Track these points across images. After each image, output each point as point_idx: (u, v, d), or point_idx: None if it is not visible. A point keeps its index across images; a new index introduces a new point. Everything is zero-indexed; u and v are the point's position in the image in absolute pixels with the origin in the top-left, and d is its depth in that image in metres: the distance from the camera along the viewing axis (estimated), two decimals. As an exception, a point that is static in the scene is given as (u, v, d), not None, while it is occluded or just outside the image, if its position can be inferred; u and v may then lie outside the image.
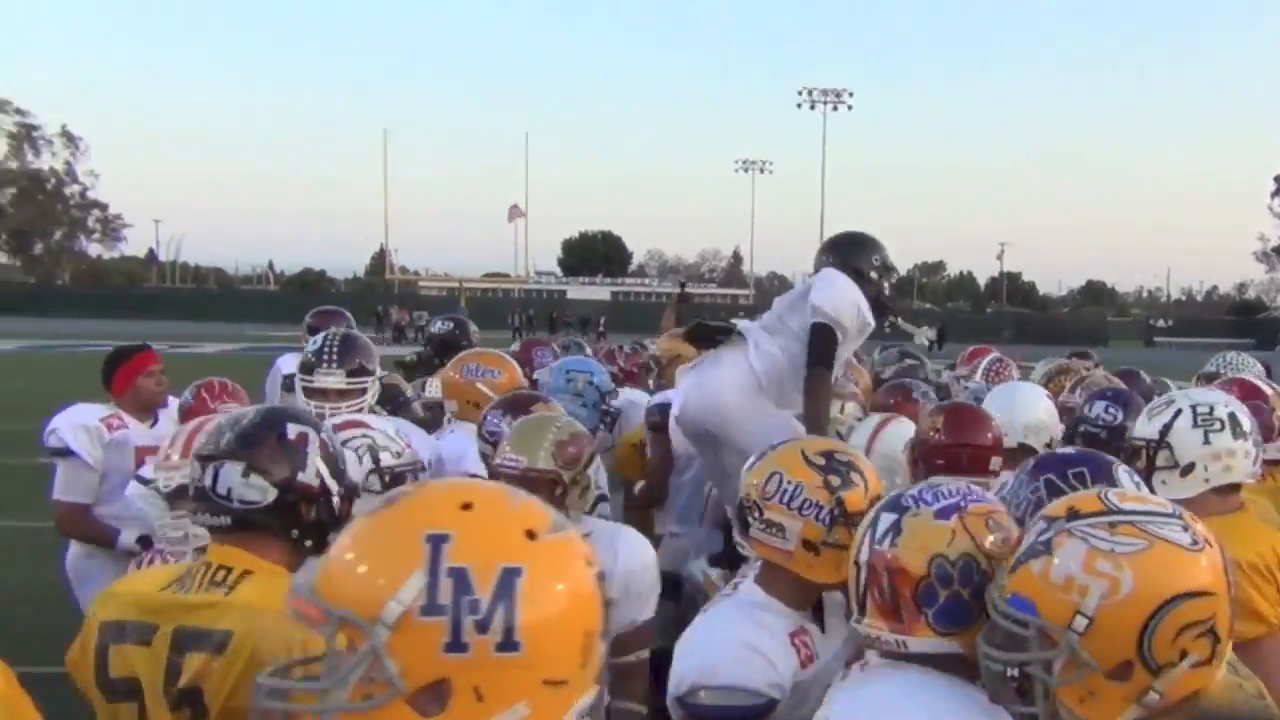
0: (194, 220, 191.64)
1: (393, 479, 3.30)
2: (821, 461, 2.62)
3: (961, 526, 2.04)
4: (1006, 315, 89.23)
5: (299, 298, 76.55)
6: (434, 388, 5.70)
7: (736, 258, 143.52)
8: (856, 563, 2.13)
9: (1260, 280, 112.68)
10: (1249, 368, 6.26)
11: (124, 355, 5.14)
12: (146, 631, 2.21)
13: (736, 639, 2.49)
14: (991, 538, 2.03)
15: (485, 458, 3.90)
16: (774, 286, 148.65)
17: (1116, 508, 1.76)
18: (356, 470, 3.42)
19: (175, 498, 3.02)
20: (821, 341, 4.31)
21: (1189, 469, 3.12)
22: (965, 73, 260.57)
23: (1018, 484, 2.60)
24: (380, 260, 66.21)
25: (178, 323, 55.33)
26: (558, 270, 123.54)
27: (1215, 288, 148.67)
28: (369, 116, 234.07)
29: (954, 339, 55.86)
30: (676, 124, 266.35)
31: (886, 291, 4.67)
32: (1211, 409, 3.17)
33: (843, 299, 4.40)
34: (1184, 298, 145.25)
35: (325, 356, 4.20)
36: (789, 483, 2.58)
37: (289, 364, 6.49)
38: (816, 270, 4.69)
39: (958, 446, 3.66)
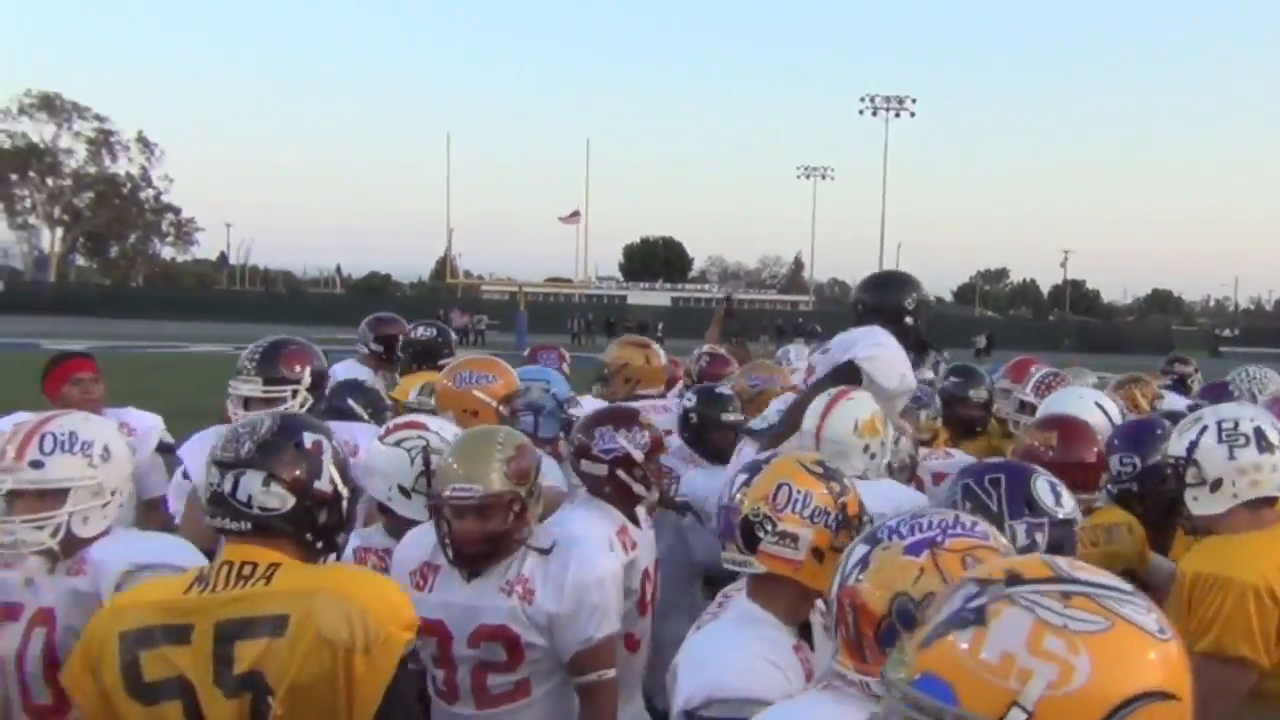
0: (264, 225, 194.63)
1: None
2: (820, 470, 2.71)
3: (932, 564, 1.88)
4: (1068, 323, 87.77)
5: (365, 301, 77.49)
6: (414, 395, 5.49)
7: (798, 264, 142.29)
8: (827, 598, 2.05)
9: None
10: (1272, 381, 6.28)
11: (56, 362, 5.23)
12: (182, 632, 2.30)
13: (752, 652, 2.48)
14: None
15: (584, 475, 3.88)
16: (835, 293, 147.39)
17: (1068, 575, 1.38)
18: (407, 470, 3.55)
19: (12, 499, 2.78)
20: (840, 376, 4.34)
21: (1217, 484, 3.11)
22: (1027, 79, 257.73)
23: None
24: (444, 264, 66.62)
25: (246, 324, 55.75)
26: (619, 275, 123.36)
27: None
28: (433, 120, 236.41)
29: (1015, 347, 54.93)
30: (738, 130, 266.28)
31: (924, 331, 4.73)
32: (1236, 424, 3.15)
33: (887, 363, 4.44)
34: (1252, 307, 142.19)
35: (244, 365, 4.15)
36: (799, 492, 2.63)
37: (344, 371, 6.69)
38: (855, 310, 4.75)
39: (1072, 465, 3.63)
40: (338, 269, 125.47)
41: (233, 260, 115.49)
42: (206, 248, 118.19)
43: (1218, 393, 6.09)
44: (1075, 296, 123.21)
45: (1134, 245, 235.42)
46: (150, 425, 5.18)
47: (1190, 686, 1.32)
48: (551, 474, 4.11)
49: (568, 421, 4.79)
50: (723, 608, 2.74)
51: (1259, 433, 3.13)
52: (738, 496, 2.69)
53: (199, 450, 4.12)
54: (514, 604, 3.04)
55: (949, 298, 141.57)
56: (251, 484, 2.40)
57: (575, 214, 50.66)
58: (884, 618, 1.87)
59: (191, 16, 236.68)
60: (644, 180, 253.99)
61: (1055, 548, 2.39)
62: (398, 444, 3.61)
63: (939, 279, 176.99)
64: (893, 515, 2.06)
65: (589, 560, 3.17)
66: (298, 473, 2.44)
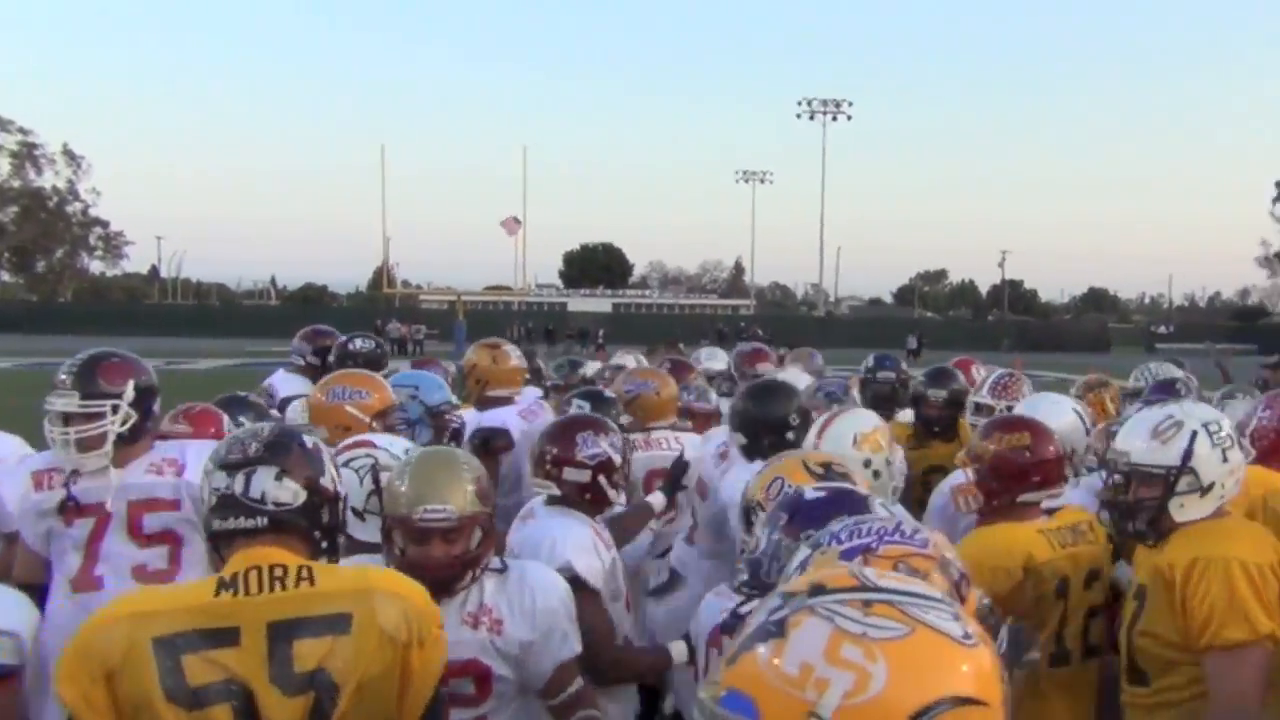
0: (197, 237, 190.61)
1: None
2: (820, 470, 2.81)
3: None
4: (1007, 323, 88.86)
5: (300, 313, 76.84)
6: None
7: (738, 268, 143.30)
8: None
9: (1263, 286, 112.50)
10: (1170, 374, 6.47)
11: None
12: (227, 635, 2.31)
13: None
14: None
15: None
16: (776, 296, 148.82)
17: (872, 584, 1.38)
18: (357, 491, 3.47)
19: None
20: None
21: (1209, 489, 3.13)
22: (964, 81, 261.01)
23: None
24: (381, 275, 66.17)
25: (178, 339, 55.22)
26: (559, 282, 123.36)
27: (1218, 293, 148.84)
28: (368, 129, 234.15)
29: (955, 347, 55.43)
30: (677, 135, 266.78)
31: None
32: (1220, 426, 3.19)
33: None
34: (1186, 304, 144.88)
35: (61, 379, 3.88)
36: (789, 487, 2.74)
37: (280, 382, 6.81)
38: (734, 419, 4.67)
39: (1049, 462, 3.68)
40: (272, 281, 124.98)
41: (164, 274, 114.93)
42: (137, 261, 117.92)
43: (1166, 391, 6.04)
44: (1013, 296, 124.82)
45: (1070, 245, 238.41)
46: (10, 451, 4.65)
47: (1000, 692, 1.31)
48: None
49: (443, 427, 4.84)
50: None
51: (1234, 432, 3.22)
52: (750, 484, 2.92)
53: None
54: (483, 636, 2.97)
55: (889, 299, 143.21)
56: (264, 480, 2.47)
57: (514, 220, 50.21)
58: None
59: (119, 27, 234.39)
60: (583, 187, 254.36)
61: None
62: (346, 464, 3.50)
63: (879, 281, 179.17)
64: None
65: (550, 582, 3.13)
66: (306, 468, 2.53)
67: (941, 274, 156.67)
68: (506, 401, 5.93)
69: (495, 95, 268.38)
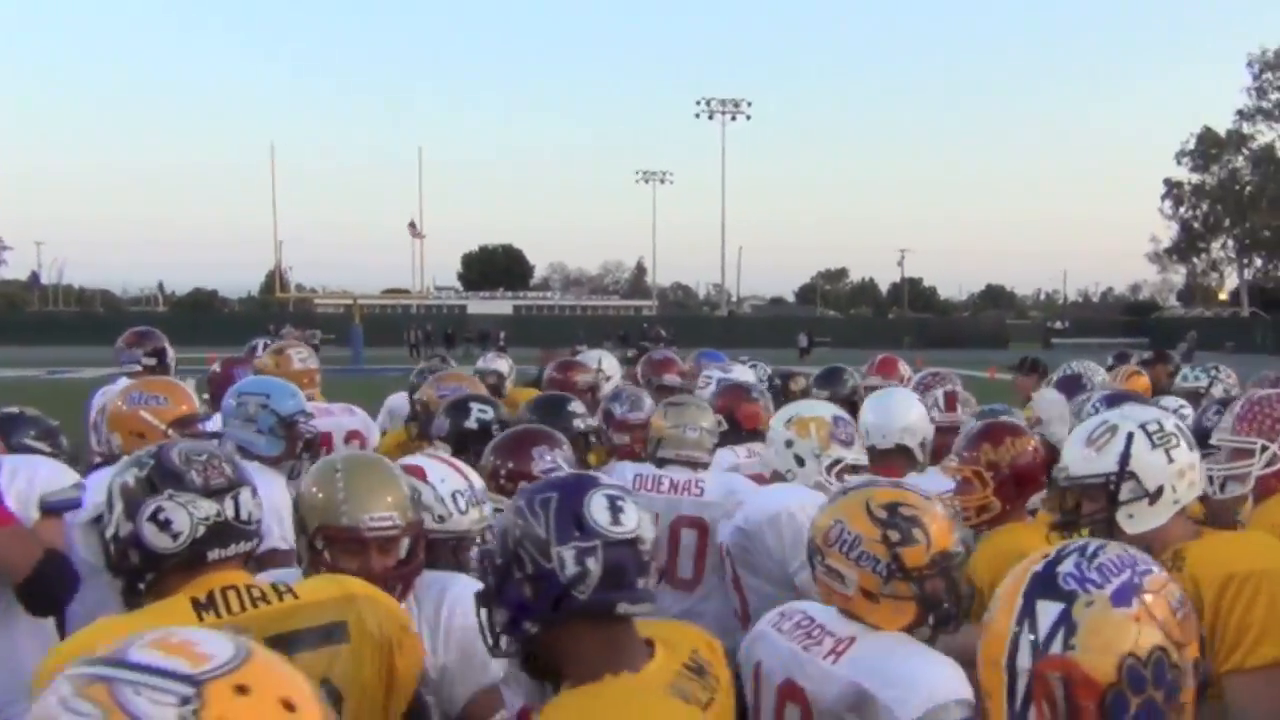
0: (79, 242, 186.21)
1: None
2: (883, 515, 2.60)
3: (1146, 612, 1.68)
4: (908, 320, 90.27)
5: (189, 318, 74.90)
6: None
7: (640, 269, 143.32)
8: (1010, 669, 1.73)
9: (1153, 281, 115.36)
10: (1095, 374, 6.69)
11: None
12: None
13: (935, 657, 2.49)
14: (1179, 617, 1.70)
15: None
16: (678, 296, 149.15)
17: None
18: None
19: None
20: None
21: (1158, 494, 2.91)
22: (862, 81, 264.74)
23: None
24: (274, 278, 64.57)
25: (60, 347, 53.53)
26: (458, 285, 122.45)
27: (1110, 289, 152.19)
28: (256, 129, 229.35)
29: (857, 345, 56.56)
30: (575, 135, 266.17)
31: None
32: (1161, 425, 2.98)
33: None
34: (1081, 299, 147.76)
35: None
36: (849, 533, 2.60)
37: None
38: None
39: (1047, 462, 3.63)
40: (160, 286, 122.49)
41: (45, 280, 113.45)
42: (15, 267, 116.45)
43: (1071, 385, 6.25)
44: (913, 294, 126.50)
45: (968, 243, 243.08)
46: None
47: None
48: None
49: (296, 437, 4.61)
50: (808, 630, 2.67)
51: (1180, 429, 3.01)
52: (818, 517, 2.73)
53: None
54: None
55: (791, 298, 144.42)
56: (247, 500, 2.54)
57: (414, 225, 49.20)
58: (1111, 685, 1.65)
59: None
60: (481, 188, 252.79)
61: (614, 570, 2.08)
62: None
63: (780, 280, 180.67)
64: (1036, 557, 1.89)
65: (468, 599, 2.81)
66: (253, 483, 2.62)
67: (842, 273, 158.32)
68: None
69: (390, 94, 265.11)
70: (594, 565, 2.08)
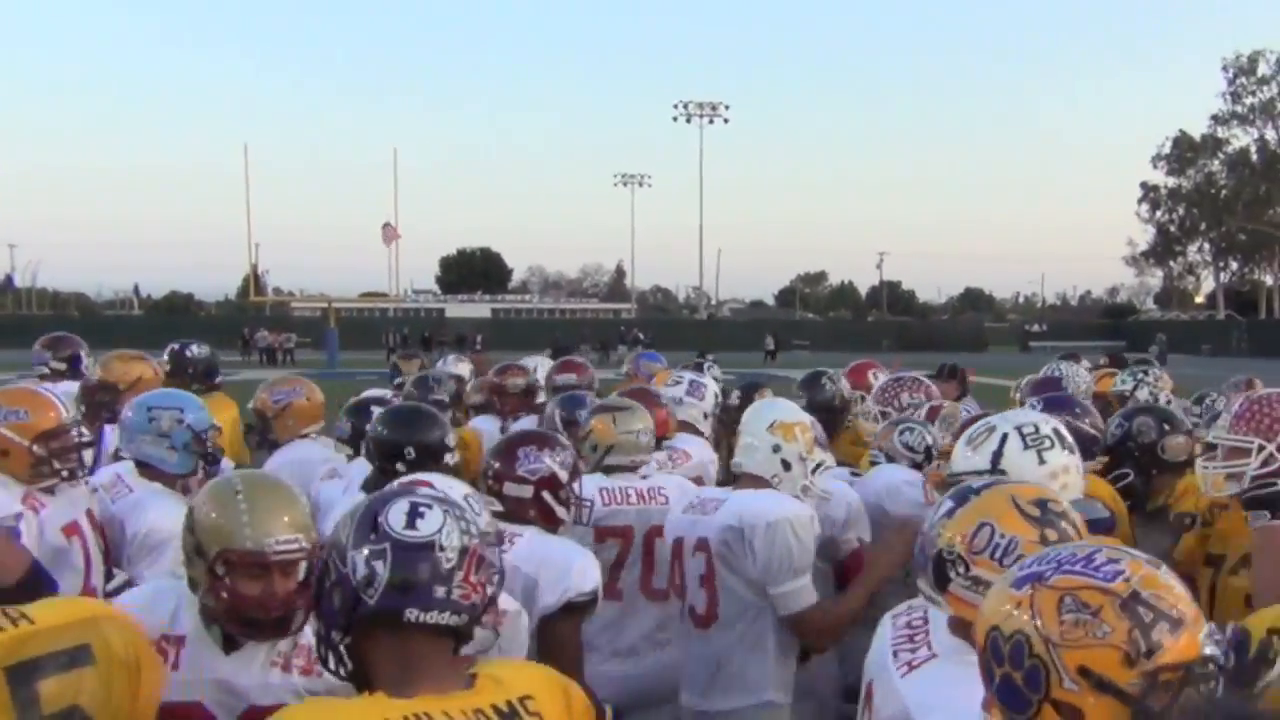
0: (53, 245, 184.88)
1: None
2: (1036, 513, 2.42)
3: (1028, 601, 1.75)
4: (886, 323, 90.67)
5: (165, 321, 74.30)
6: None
7: (619, 272, 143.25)
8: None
9: (1130, 284, 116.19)
10: (1078, 375, 6.72)
11: None
12: None
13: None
14: (1067, 621, 1.70)
15: None
16: (657, 300, 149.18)
17: None
18: None
19: None
20: None
21: None
22: (840, 84, 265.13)
23: None
24: (250, 282, 64.18)
25: (32, 351, 52.86)
26: (436, 288, 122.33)
27: (1089, 292, 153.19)
28: (232, 131, 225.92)
29: (836, 348, 56.78)
30: (553, 138, 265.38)
31: None
32: (1037, 428, 3.15)
33: None
34: (1059, 302, 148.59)
35: None
36: (1001, 536, 2.39)
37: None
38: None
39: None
40: (135, 289, 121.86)
41: (18, 283, 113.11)
42: None
43: (1049, 388, 6.21)
44: (892, 297, 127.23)
45: (947, 246, 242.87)
46: None
47: None
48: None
49: (205, 453, 4.47)
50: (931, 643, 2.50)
51: (1058, 433, 3.16)
52: (937, 526, 2.50)
53: None
54: (295, 680, 2.75)
55: (770, 301, 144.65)
56: None
57: (390, 227, 48.89)
58: (982, 650, 1.82)
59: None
60: (458, 190, 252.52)
61: (404, 573, 2.05)
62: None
63: (760, 283, 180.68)
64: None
65: None
66: None
67: (821, 276, 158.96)
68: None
69: (365, 95, 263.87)
70: (381, 568, 2.05)
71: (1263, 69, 76.53)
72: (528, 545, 3.55)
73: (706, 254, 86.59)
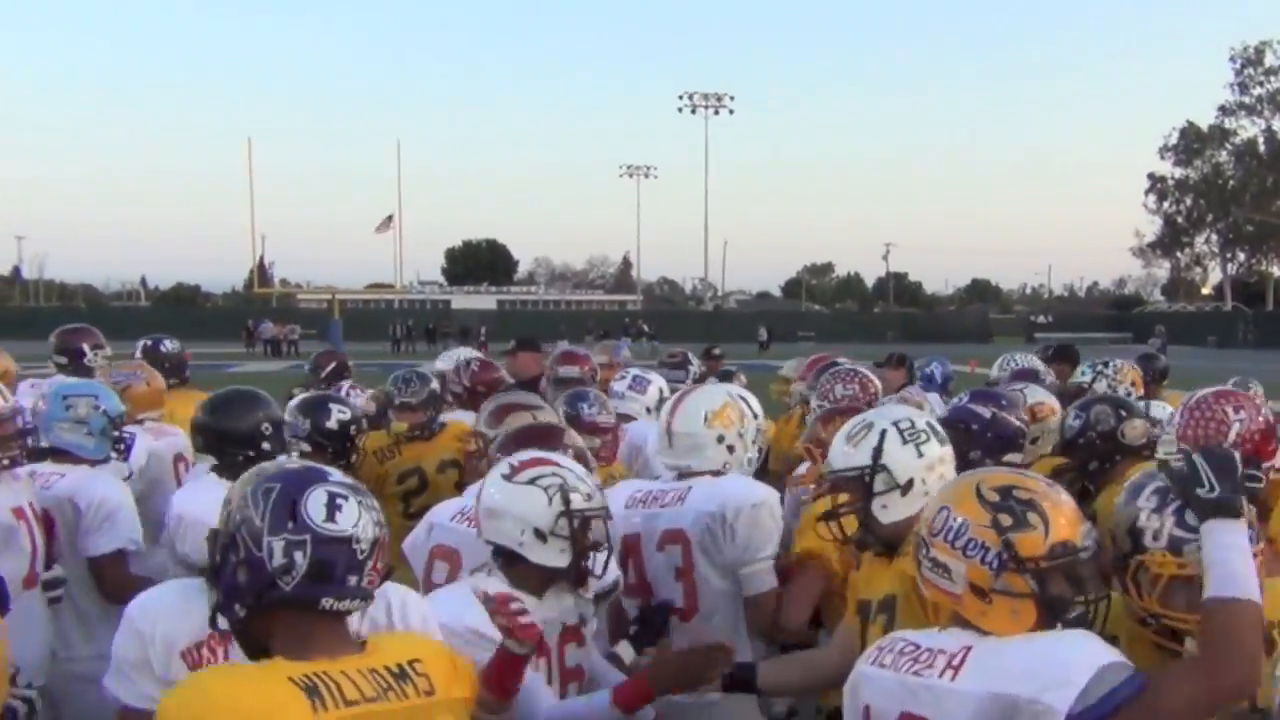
0: (61, 237, 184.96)
1: (582, 523, 3.10)
2: (995, 498, 2.40)
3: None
4: (893, 315, 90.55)
5: (171, 313, 74.43)
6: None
7: (625, 264, 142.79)
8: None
9: (1137, 275, 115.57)
10: (1032, 364, 6.97)
11: None
12: None
13: (1068, 636, 2.29)
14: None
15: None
16: (664, 291, 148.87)
17: None
18: (544, 511, 3.19)
19: None
20: None
21: (909, 486, 3.11)
22: (845, 75, 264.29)
23: None
24: (256, 274, 64.09)
25: (41, 342, 52.73)
26: (442, 280, 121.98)
27: (1095, 283, 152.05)
28: (238, 124, 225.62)
29: (842, 339, 56.67)
30: (558, 129, 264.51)
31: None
32: (913, 422, 3.23)
33: None
34: (1066, 294, 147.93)
35: None
36: (955, 519, 2.41)
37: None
38: (198, 439, 4.40)
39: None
40: (142, 281, 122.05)
41: (26, 275, 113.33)
42: None
43: (1028, 379, 6.36)
44: (898, 289, 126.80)
45: (953, 237, 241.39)
46: None
47: None
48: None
49: (120, 441, 4.62)
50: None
51: (931, 427, 3.26)
52: (926, 508, 2.60)
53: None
54: None
55: (777, 293, 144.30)
56: None
57: (388, 219, 48.86)
58: None
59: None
60: (464, 182, 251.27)
61: (322, 565, 2.12)
62: (532, 481, 3.25)
63: (766, 274, 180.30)
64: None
65: (416, 601, 2.89)
66: None
67: (828, 267, 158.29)
68: None
69: (368, 87, 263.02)
70: (301, 559, 2.11)
71: (1270, 60, 76.15)
72: None
73: (712, 245, 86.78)
